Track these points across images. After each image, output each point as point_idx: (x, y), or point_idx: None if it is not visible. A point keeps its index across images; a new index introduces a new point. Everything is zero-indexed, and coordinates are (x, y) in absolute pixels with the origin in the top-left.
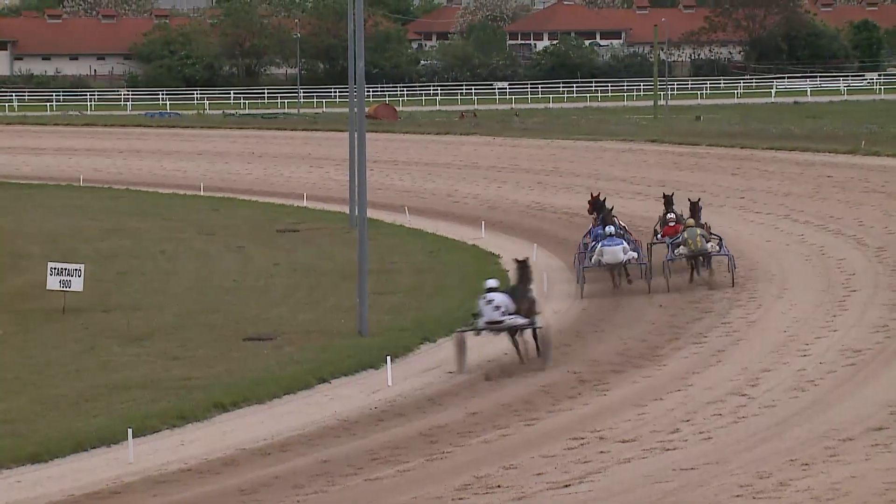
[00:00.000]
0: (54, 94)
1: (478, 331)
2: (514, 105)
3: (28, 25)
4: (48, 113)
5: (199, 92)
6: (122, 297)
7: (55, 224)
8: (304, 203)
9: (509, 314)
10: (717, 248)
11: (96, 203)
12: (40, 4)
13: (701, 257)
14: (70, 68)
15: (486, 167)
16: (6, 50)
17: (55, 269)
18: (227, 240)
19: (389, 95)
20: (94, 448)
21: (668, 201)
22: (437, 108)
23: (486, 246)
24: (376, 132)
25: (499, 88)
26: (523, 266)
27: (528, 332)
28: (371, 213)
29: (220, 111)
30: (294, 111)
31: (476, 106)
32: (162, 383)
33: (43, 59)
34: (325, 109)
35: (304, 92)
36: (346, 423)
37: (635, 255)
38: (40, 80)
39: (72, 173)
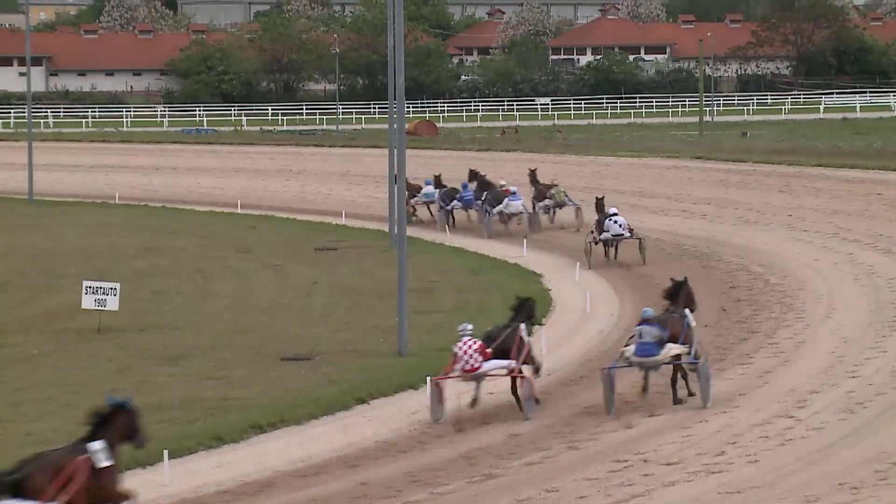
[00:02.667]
0: (90, 110)
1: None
2: (556, 121)
3: (64, 41)
4: (84, 129)
5: (236, 108)
6: (157, 317)
7: (90, 242)
8: (343, 221)
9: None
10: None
11: (132, 221)
12: (76, 20)
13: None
14: (106, 84)
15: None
16: (41, 66)
17: (90, 287)
18: (265, 258)
19: (429, 111)
20: (130, 469)
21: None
22: (478, 124)
23: (528, 264)
24: (416, 149)
25: (541, 104)
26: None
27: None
28: (410, 232)
29: (258, 127)
30: (333, 127)
31: (518, 122)
32: (198, 404)
33: (78, 74)
34: (364, 126)
35: (342, 108)
36: (385, 444)
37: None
38: (76, 96)
39: (107, 190)
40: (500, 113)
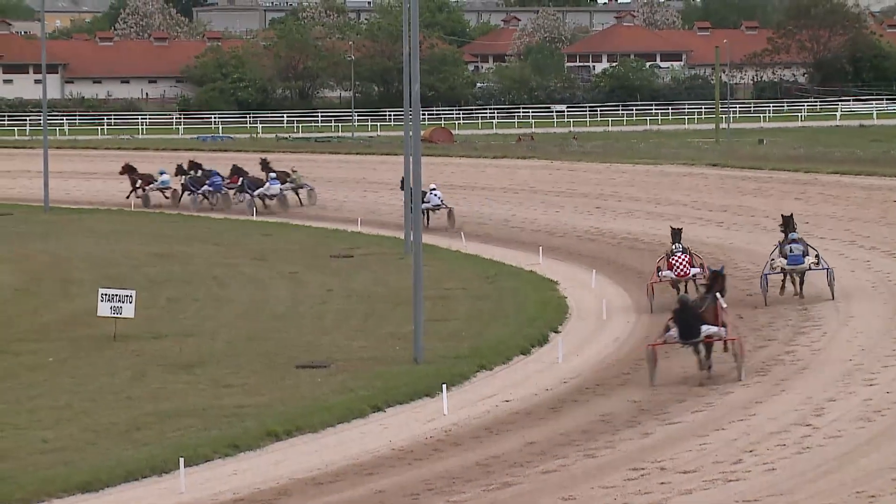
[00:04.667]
0: (105, 117)
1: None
2: (572, 128)
3: (79, 48)
4: (99, 137)
5: (251, 115)
6: (173, 324)
7: (106, 250)
8: (358, 228)
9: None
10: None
11: (147, 228)
12: (91, 27)
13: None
14: (121, 91)
15: (543, 192)
16: (57, 73)
17: (106, 295)
18: (280, 265)
19: (445, 119)
20: (145, 477)
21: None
22: (494, 131)
23: (544, 272)
24: (432, 156)
25: (557, 111)
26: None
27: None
28: (426, 239)
29: (273, 134)
30: (348, 135)
31: (533, 129)
32: (213, 411)
33: (94, 82)
34: (379, 133)
35: (358, 115)
36: (401, 452)
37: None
38: (91, 103)
39: (122, 198)
40: (516, 120)
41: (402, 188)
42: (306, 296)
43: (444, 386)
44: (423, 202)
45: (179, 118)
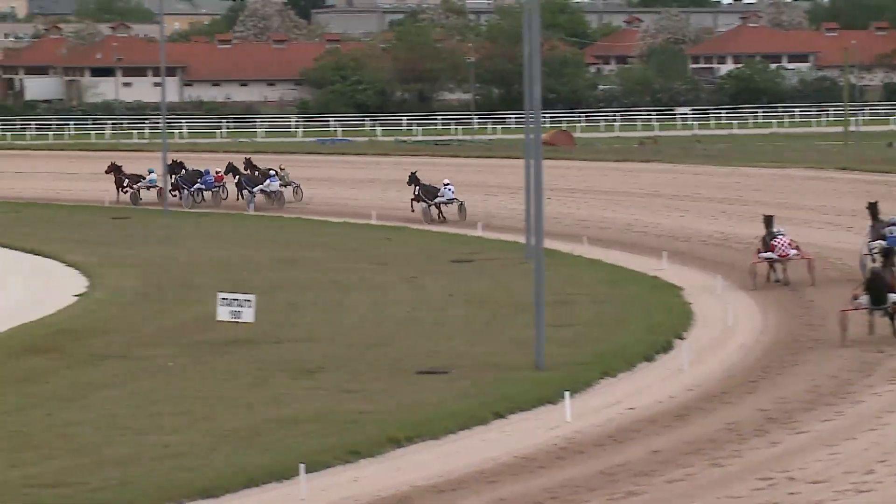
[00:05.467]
0: (224, 120)
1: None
2: (696, 131)
3: (198, 51)
4: (217, 140)
5: (370, 118)
6: (293, 329)
7: (225, 253)
8: (479, 232)
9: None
10: None
11: (267, 232)
12: (210, 29)
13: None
14: (240, 94)
15: (667, 196)
16: (176, 76)
17: (226, 299)
18: (400, 270)
19: (566, 121)
20: (266, 483)
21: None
22: (616, 134)
23: (668, 277)
24: (553, 159)
25: (680, 114)
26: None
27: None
28: (547, 243)
29: (392, 138)
30: (468, 137)
31: (656, 132)
32: (334, 417)
33: (212, 84)
34: (499, 136)
35: (478, 118)
36: (524, 460)
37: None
38: (210, 106)
39: (242, 202)
40: (639, 123)
41: (409, 183)
42: (426, 301)
43: (567, 393)
44: (438, 196)
45: (298, 121)
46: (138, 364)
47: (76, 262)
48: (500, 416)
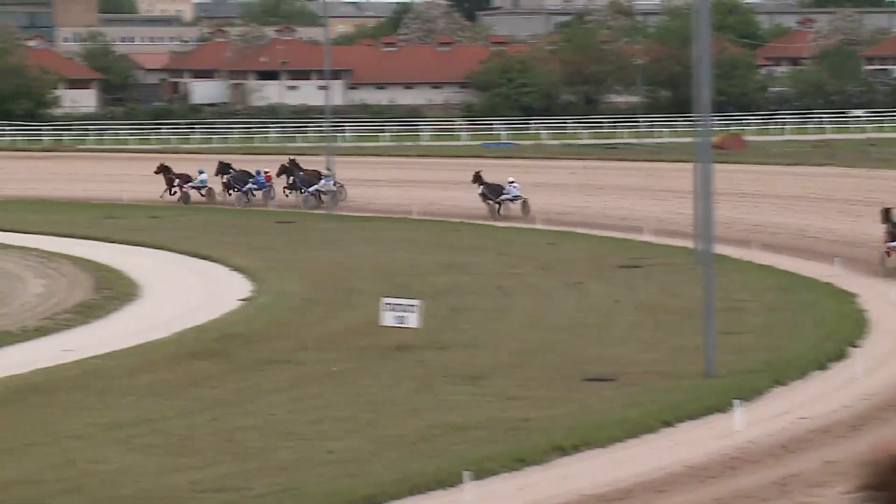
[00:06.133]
0: (388, 123)
1: None
2: (869, 134)
3: (363, 54)
4: (382, 143)
5: (536, 121)
6: (457, 334)
7: (390, 258)
8: (646, 237)
9: None
10: None
11: (431, 237)
12: (375, 32)
13: None
14: (405, 97)
15: (841, 200)
16: (341, 79)
17: (390, 304)
18: (565, 275)
19: (736, 124)
20: (431, 491)
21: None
22: (787, 137)
23: (842, 284)
24: (723, 163)
25: (853, 116)
26: None
27: None
28: (717, 249)
29: (559, 141)
30: (635, 141)
31: (829, 135)
32: (499, 424)
33: (377, 88)
34: (668, 139)
35: (645, 121)
36: (693, 469)
37: None
38: (375, 109)
39: (406, 205)
40: (811, 126)
41: (473, 181)
42: (592, 307)
43: (737, 401)
44: (503, 193)
45: (463, 125)
46: (303, 369)
47: (241, 267)
48: (668, 424)
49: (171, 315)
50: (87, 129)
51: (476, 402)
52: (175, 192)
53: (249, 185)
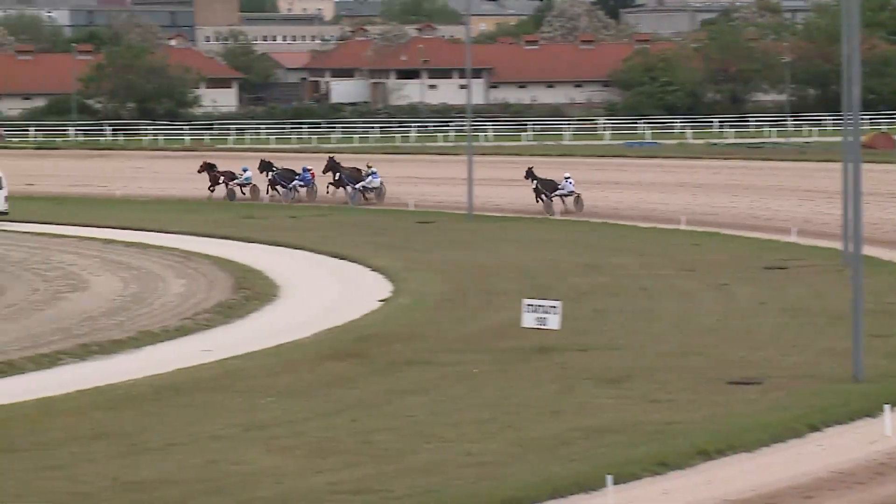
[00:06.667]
0: (530, 123)
1: None
2: None
3: (504, 52)
4: (523, 143)
5: (680, 120)
6: (599, 336)
7: (530, 259)
8: (792, 238)
9: None
10: None
11: (572, 237)
12: (517, 30)
13: None
14: (546, 96)
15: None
16: (481, 78)
17: (531, 305)
18: (709, 277)
19: (887, 123)
20: (572, 494)
21: None
22: None
23: None
24: (872, 163)
25: None
26: None
27: None
28: (866, 250)
29: (703, 140)
30: (782, 140)
31: None
32: (641, 427)
33: (518, 86)
34: (815, 138)
35: (792, 120)
36: (841, 475)
37: None
38: (516, 108)
39: (541, 206)
40: None
41: (526, 176)
42: (737, 309)
43: (887, 406)
44: (558, 188)
45: (606, 124)
46: (442, 370)
47: (381, 267)
48: (815, 428)
49: (311, 315)
50: (228, 129)
51: (618, 404)
52: (213, 190)
53: (295, 182)
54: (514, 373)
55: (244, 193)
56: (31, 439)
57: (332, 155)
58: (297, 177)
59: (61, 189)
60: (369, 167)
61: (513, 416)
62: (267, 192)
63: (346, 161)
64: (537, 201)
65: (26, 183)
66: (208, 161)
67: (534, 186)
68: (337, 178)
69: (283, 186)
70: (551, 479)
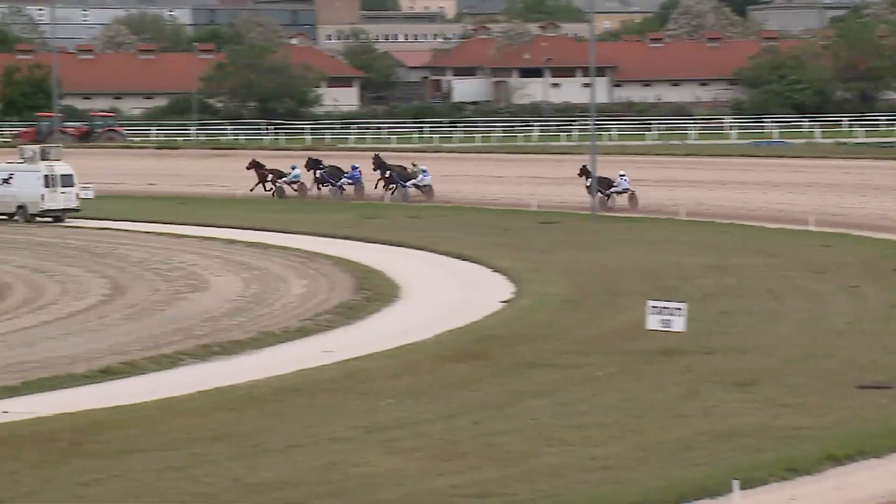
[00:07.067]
0: (654, 122)
1: None
2: None
3: (628, 50)
4: (647, 142)
5: (809, 119)
6: (725, 339)
7: (654, 260)
8: None
9: None
10: None
11: (698, 238)
12: (641, 28)
13: None
14: (671, 95)
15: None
16: (605, 76)
17: (656, 307)
18: (840, 279)
19: None
20: (697, 499)
21: None
22: None
23: None
24: None
25: None
26: None
27: None
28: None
29: (832, 140)
30: None
31: None
32: (769, 432)
33: (643, 85)
34: None
35: None
36: None
37: None
38: (640, 107)
39: (672, 206)
40: None
41: (580, 174)
42: (867, 311)
43: None
44: (613, 186)
45: (732, 123)
46: (565, 372)
47: (502, 268)
48: None
49: (432, 316)
50: (349, 128)
51: (745, 408)
52: (266, 187)
53: (343, 180)
54: (638, 375)
55: (294, 190)
56: (152, 440)
57: (377, 153)
58: (345, 175)
59: (182, 189)
60: (414, 165)
61: (637, 420)
62: (318, 189)
63: (468, 161)
64: (592, 197)
65: (148, 183)
66: (256, 160)
67: (587, 184)
68: (387, 175)
69: (332, 184)
70: (676, 484)
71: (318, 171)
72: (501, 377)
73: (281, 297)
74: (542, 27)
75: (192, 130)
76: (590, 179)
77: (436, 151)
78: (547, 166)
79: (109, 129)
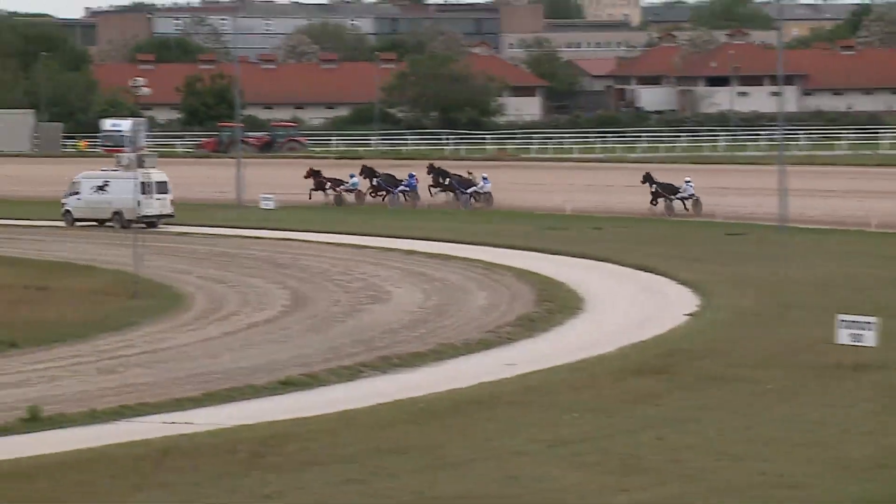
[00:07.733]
0: (845, 131)
1: None
2: None
3: (818, 58)
4: (837, 152)
5: None
6: None
7: (844, 272)
8: None
9: None
10: None
11: (889, 250)
12: (832, 35)
13: None
14: (863, 103)
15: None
16: (794, 85)
17: (845, 321)
18: None
19: None
20: None
21: None
22: None
23: None
24: None
25: None
26: None
27: None
28: None
29: None
30: None
31: None
32: None
33: (833, 93)
34: None
35: None
36: None
37: None
38: (830, 116)
39: (862, 218)
40: None
41: (643, 181)
42: None
43: None
44: (679, 192)
45: None
46: (752, 387)
47: (688, 280)
48: None
49: (615, 329)
50: (531, 138)
51: None
52: (323, 194)
53: (401, 187)
54: (827, 391)
55: (352, 199)
56: (331, 452)
57: (432, 161)
58: (402, 182)
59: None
60: (469, 173)
61: (826, 436)
62: (374, 197)
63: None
64: (653, 203)
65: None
66: (314, 168)
67: (652, 190)
68: (447, 183)
69: (389, 192)
70: (866, 502)
71: (374, 179)
72: (685, 392)
73: (461, 308)
74: (729, 35)
75: (373, 140)
76: (654, 185)
77: (619, 162)
78: (734, 176)
79: (291, 140)
